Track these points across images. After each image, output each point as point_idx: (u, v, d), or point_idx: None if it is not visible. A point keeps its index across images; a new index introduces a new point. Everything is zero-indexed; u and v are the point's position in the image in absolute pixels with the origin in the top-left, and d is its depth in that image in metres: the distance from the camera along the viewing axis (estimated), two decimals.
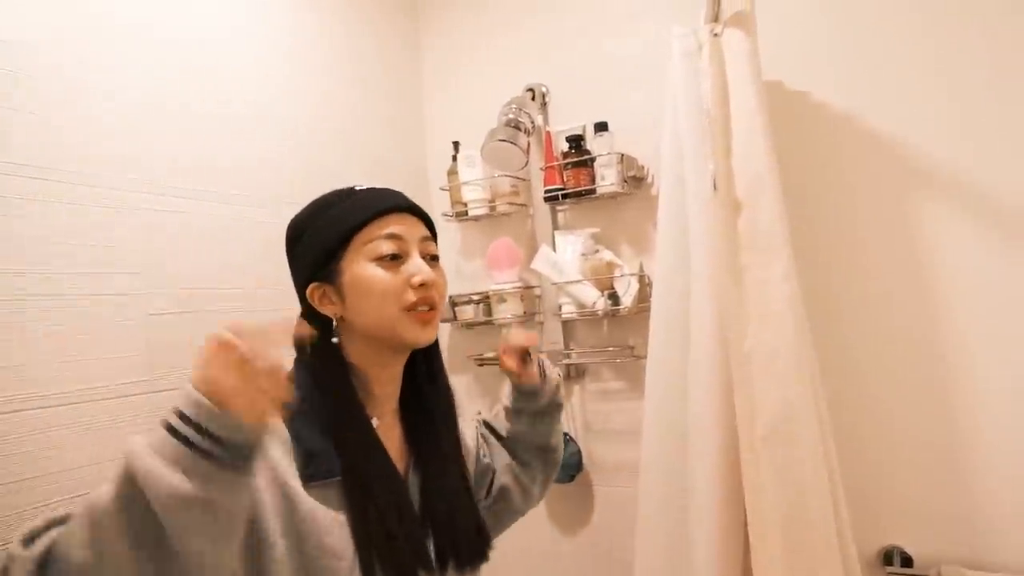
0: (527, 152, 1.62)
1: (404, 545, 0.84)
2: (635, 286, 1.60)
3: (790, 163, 1.36)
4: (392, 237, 0.89)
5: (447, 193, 1.87)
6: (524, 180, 1.80)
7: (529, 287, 1.80)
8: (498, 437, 1.14)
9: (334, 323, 0.90)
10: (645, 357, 1.43)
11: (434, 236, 0.97)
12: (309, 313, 0.91)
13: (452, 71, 1.97)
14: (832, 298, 1.45)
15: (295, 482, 0.80)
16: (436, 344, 0.98)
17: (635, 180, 1.64)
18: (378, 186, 0.95)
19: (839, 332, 1.45)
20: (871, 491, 1.41)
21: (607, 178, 1.61)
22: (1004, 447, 1.32)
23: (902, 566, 1.40)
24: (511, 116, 1.63)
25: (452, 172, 1.85)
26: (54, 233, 1.09)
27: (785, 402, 1.21)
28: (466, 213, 1.83)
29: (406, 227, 0.91)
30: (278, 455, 0.80)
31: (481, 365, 1.87)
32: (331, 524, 0.81)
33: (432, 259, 0.94)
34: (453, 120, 1.96)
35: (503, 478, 1.10)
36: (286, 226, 0.95)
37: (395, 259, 0.89)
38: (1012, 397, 1.32)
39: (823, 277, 1.44)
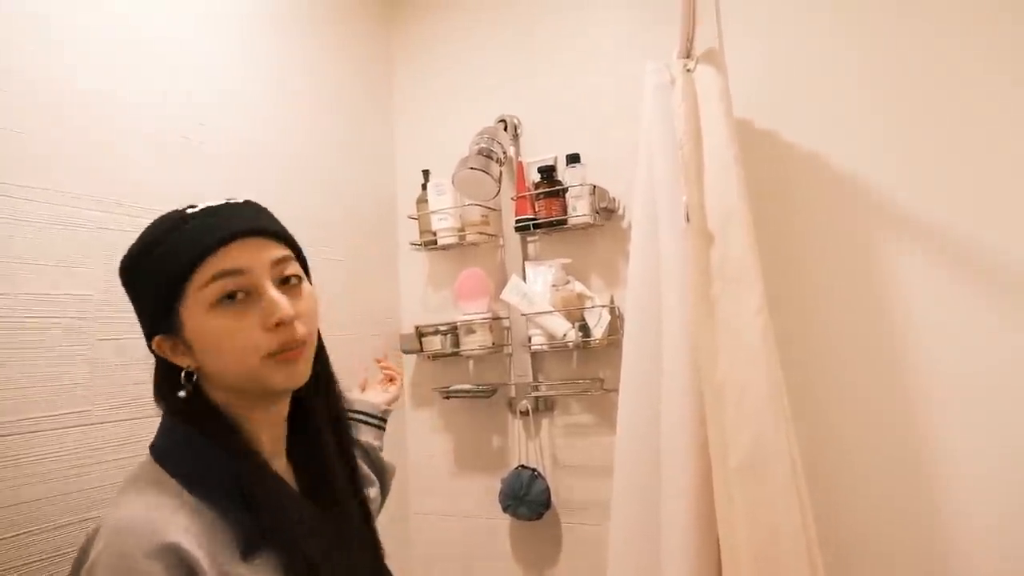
0: (499, 181, 1.60)
1: None
2: (606, 318, 1.59)
3: (760, 200, 1.37)
4: (231, 274, 0.74)
5: (416, 222, 1.84)
6: (495, 210, 1.78)
7: (498, 318, 1.77)
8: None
9: (194, 376, 0.78)
10: (615, 390, 1.41)
11: (294, 248, 0.83)
12: (165, 364, 0.79)
13: (424, 99, 1.97)
14: (800, 335, 1.45)
15: (236, 567, 0.71)
16: (320, 361, 0.87)
17: (606, 212, 1.64)
18: (219, 202, 0.80)
19: (808, 368, 1.44)
20: (843, 531, 1.39)
21: (579, 209, 1.60)
22: (976, 492, 1.32)
23: None
24: (483, 145, 1.62)
25: (421, 200, 1.83)
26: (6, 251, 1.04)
27: (757, 437, 1.19)
28: (435, 242, 1.80)
29: (248, 255, 0.76)
30: (215, 543, 0.71)
31: (447, 398, 1.82)
32: None
33: (289, 282, 0.80)
34: (424, 148, 1.94)
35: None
36: None
37: (243, 296, 0.76)
38: (983, 437, 1.32)
39: (791, 313, 1.44)
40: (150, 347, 0.80)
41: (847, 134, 1.45)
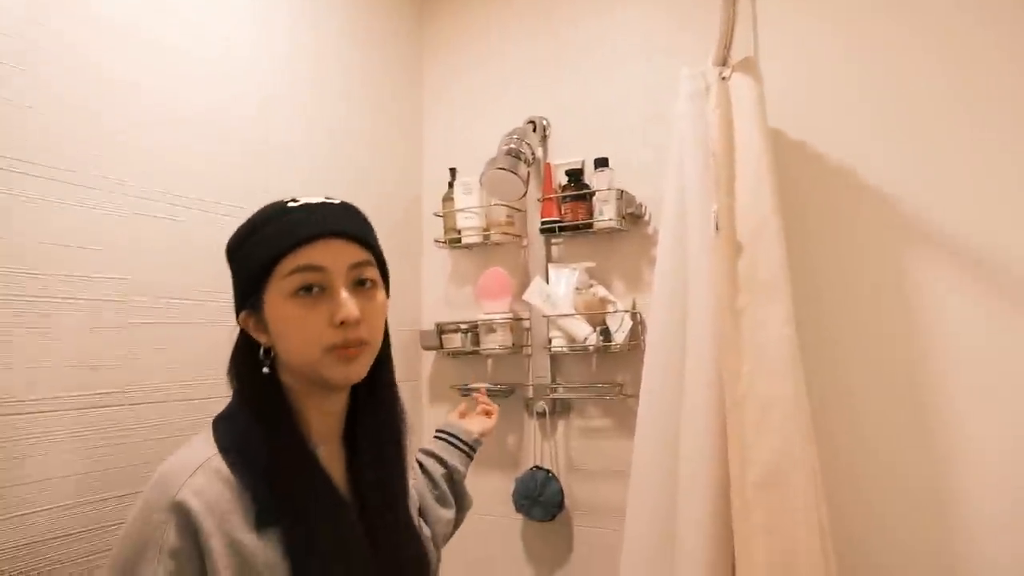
0: (527, 182, 1.61)
1: None
2: (628, 323, 1.58)
3: (790, 211, 1.37)
4: (310, 269, 0.81)
5: (440, 220, 1.85)
6: (520, 211, 1.79)
7: (519, 318, 1.77)
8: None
9: (271, 351, 0.85)
10: (634, 395, 1.41)
11: (375, 253, 0.89)
12: (245, 338, 0.87)
13: (453, 98, 1.97)
14: (827, 349, 1.44)
15: (245, 535, 0.75)
16: (383, 369, 0.92)
17: (632, 217, 1.64)
18: (318, 200, 0.86)
19: (833, 382, 1.43)
20: (862, 546, 1.38)
21: (605, 213, 1.60)
22: (998, 506, 1.31)
23: None
24: (512, 146, 1.62)
25: (447, 198, 1.83)
26: (45, 232, 1.06)
27: (779, 450, 1.19)
28: (459, 240, 1.81)
29: (332, 254, 0.82)
30: (226, 508, 0.75)
31: (465, 395, 1.82)
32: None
33: (364, 285, 0.86)
34: (451, 147, 1.95)
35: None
36: None
37: (318, 291, 0.82)
38: (1007, 454, 1.30)
39: (818, 326, 1.43)
40: (237, 320, 0.87)
41: (879, 146, 1.44)
